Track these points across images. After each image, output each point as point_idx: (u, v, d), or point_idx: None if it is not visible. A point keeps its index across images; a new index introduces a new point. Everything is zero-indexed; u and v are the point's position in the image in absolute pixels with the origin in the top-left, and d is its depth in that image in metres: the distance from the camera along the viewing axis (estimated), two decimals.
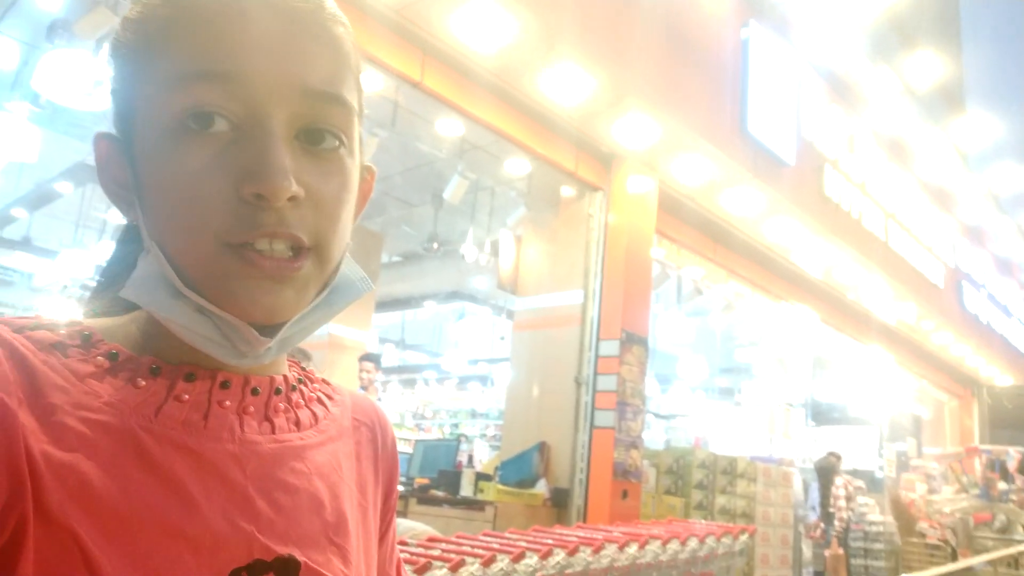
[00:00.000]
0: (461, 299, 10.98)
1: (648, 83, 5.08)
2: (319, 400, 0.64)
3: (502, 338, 10.97)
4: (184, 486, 0.50)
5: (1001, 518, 8.46)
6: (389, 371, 14.84)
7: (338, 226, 0.55)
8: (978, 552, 7.77)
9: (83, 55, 3.84)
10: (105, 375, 0.52)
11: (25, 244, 9.00)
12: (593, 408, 5.37)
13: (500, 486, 5.06)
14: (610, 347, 5.43)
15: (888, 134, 8.70)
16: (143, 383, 0.52)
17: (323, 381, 0.68)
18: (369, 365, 6.02)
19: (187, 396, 0.53)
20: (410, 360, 15.55)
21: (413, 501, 5.15)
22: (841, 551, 7.84)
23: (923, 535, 8.74)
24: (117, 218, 8.24)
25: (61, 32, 3.99)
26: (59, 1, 4.18)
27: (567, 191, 5.98)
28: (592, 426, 5.33)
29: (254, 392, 0.57)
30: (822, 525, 7.87)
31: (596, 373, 5.43)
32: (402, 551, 2.62)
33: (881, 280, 8.60)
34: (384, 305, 11.22)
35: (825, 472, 7.96)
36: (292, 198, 0.50)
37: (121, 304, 0.59)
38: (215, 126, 0.50)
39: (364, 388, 6.02)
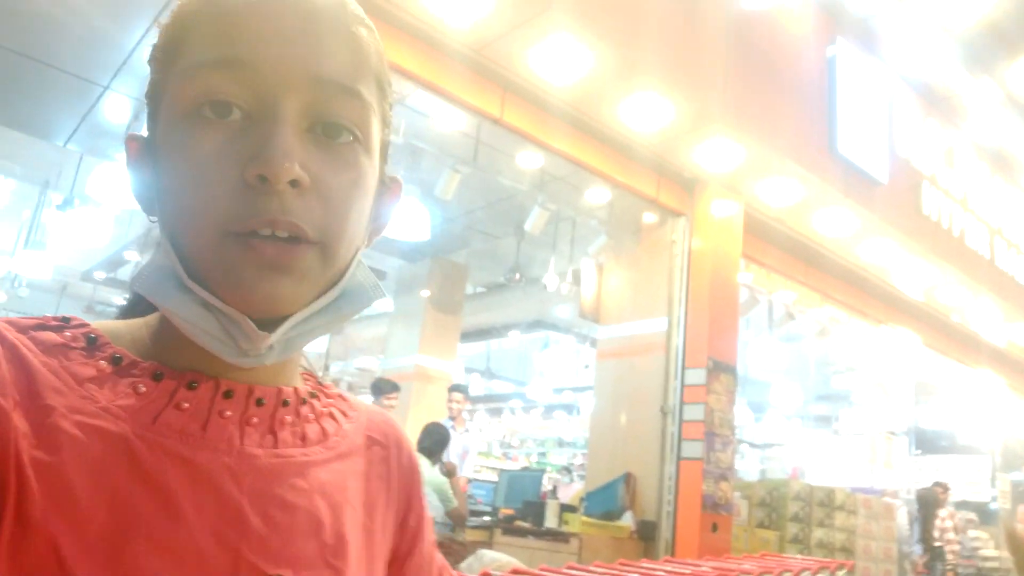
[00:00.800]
0: (544, 328, 11.02)
1: (731, 106, 5.02)
2: (331, 415, 0.62)
3: (586, 366, 10.91)
4: (175, 498, 0.49)
5: None
6: (476, 400, 14.99)
7: (347, 222, 0.53)
8: None
9: None
10: (106, 379, 0.51)
11: None
12: (680, 438, 5.26)
13: (585, 518, 5.01)
14: (696, 375, 5.32)
15: (990, 146, 8.26)
16: (144, 389, 0.52)
17: (340, 396, 0.66)
18: (458, 396, 6.13)
19: (187, 404, 0.52)
20: (496, 389, 15.65)
21: (498, 532, 5.16)
22: None
23: None
24: None
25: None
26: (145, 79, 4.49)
27: (649, 218, 5.94)
28: (679, 457, 5.22)
29: (258, 403, 0.56)
30: (926, 559, 7.43)
31: (682, 402, 5.33)
32: None
33: (988, 300, 8.12)
34: (469, 335, 11.37)
35: (927, 503, 7.53)
36: (296, 183, 0.50)
37: (144, 310, 0.60)
38: (229, 116, 0.51)
39: (453, 418, 6.13)
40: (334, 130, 0.53)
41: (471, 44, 4.21)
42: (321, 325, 0.55)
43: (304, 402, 0.60)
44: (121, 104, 5.08)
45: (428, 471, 4.64)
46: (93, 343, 0.53)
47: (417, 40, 4.05)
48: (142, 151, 0.56)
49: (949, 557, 7.48)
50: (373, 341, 10.21)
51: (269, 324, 0.51)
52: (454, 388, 6.21)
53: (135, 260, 8.83)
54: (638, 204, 5.74)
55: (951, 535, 7.62)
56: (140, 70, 4.63)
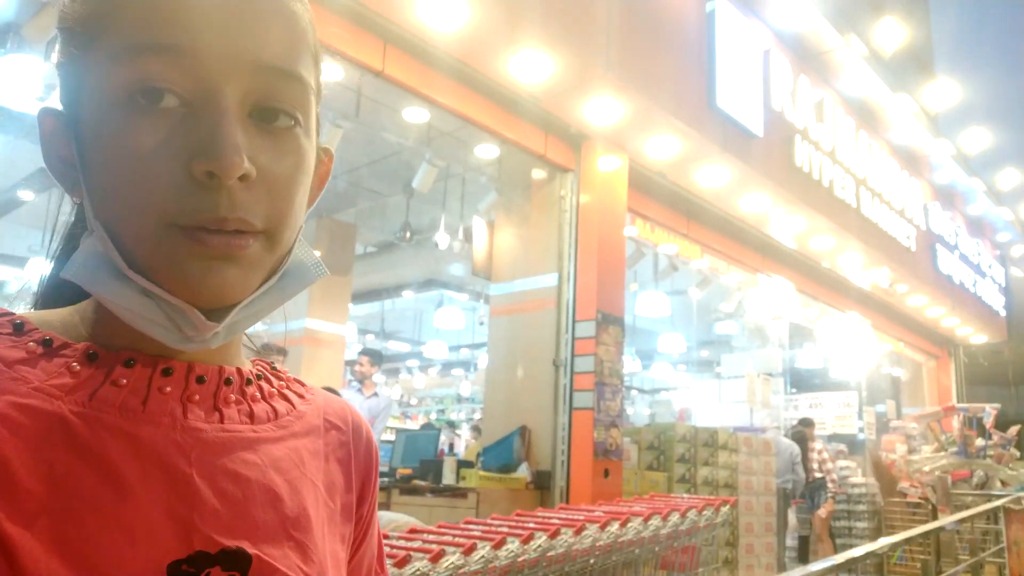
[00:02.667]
0: (437, 286, 10.98)
1: (613, 62, 5.06)
2: (283, 396, 0.61)
3: (481, 323, 10.99)
4: (119, 472, 0.48)
5: (979, 474, 8.63)
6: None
7: (291, 209, 0.53)
8: (957, 508, 7.92)
9: (34, 59, 3.76)
10: (38, 360, 0.50)
11: None
12: (572, 390, 5.40)
13: (482, 472, 5.09)
14: (586, 328, 5.45)
15: (857, 101, 8.74)
16: (78, 368, 0.50)
17: (296, 381, 0.65)
18: (364, 359, 6.04)
19: (125, 381, 0.51)
20: (392, 349, 15.54)
21: (396, 492, 5.16)
22: (828, 511, 8.00)
23: (904, 495, 8.90)
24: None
25: (11, 37, 3.91)
26: (7, 5, 4.09)
27: (538, 174, 5.96)
28: (571, 408, 5.36)
29: (199, 380, 0.54)
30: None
31: (573, 355, 5.46)
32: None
33: (854, 246, 8.68)
34: (361, 296, 11.17)
35: (798, 441, 8.08)
36: (244, 177, 0.49)
37: (70, 296, 0.58)
38: (164, 101, 0.48)
39: (360, 381, 6.04)
40: (274, 115, 0.52)
41: None
42: (265, 307, 0.54)
43: (249, 383, 0.59)
44: None
45: None
46: (20, 329, 0.52)
47: None
48: (60, 128, 0.54)
49: (830, 486, 8.04)
50: None
51: (215, 312, 0.50)
52: (363, 352, 6.13)
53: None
54: (527, 160, 5.75)
55: (829, 465, 8.18)
56: None
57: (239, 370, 0.58)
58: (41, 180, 6.78)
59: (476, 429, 13.22)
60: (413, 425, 13.35)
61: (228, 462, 0.53)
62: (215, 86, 0.49)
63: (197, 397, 0.54)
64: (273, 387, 0.61)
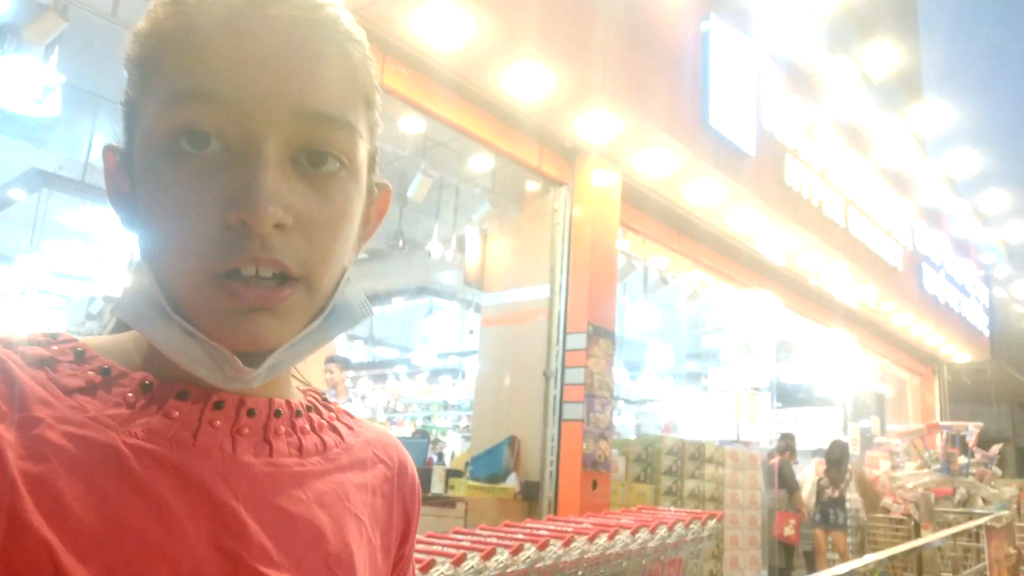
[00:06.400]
0: (429, 295, 10.97)
1: (609, 78, 5.12)
2: (332, 428, 0.62)
3: (471, 332, 10.99)
4: (167, 504, 0.48)
5: (961, 491, 8.69)
6: (360, 367, 14.79)
7: (331, 255, 0.52)
8: (940, 525, 7.96)
9: (32, 61, 3.77)
10: (96, 390, 0.51)
11: None
12: (562, 401, 5.43)
13: (471, 482, 5.09)
14: (577, 340, 5.48)
15: (847, 122, 8.85)
16: (133, 398, 0.51)
17: (345, 413, 0.66)
18: (332, 366, 6.07)
19: (177, 413, 0.51)
20: (380, 355, 15.50)
21: None
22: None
23: (887, 511, 8.94)
24: (73, 222, 8.08)
25: (10, 38, 3.91)
26: (8, 5, 4.09)
27: (531, 186, 6.00)
28: (561, 419, 5.39)
29: (250, 413, 0.55)
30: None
31: (564, 366, 5.48)
32: None
33: (842, 265, 8.77)
34: None
35: (843, 456, 8.06)
36: (279, 225, 0.49)
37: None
38: (208, 148, 0.49)
39: (334, 388, 6.04)
40: (319, 158, 0.51)
41: (348, 3, 4.07)
42: (308, 347, 0.54)
43: (299, 415, 0.59)
44: None
45: None
46: (81, 356, 0.52)
47: None
48: (120, 164, 0.55)
49: (848, 505, 8.01)
50: None
51: (255, 356, 0.51)
52: (330, 359, 6.16)
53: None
54: (521, 173, 5.79)
55: (843, 484, 8.15)
56: None
57: (288, 402, 0.58)
58: (33, 180, 6.77)
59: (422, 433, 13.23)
60: (399, 431, 13.33)
61: (275, 497, 0.53)
62: (255, 134, 0.49)
63: (247, 431, 0.54)
64: (323, 418, 0.62)
